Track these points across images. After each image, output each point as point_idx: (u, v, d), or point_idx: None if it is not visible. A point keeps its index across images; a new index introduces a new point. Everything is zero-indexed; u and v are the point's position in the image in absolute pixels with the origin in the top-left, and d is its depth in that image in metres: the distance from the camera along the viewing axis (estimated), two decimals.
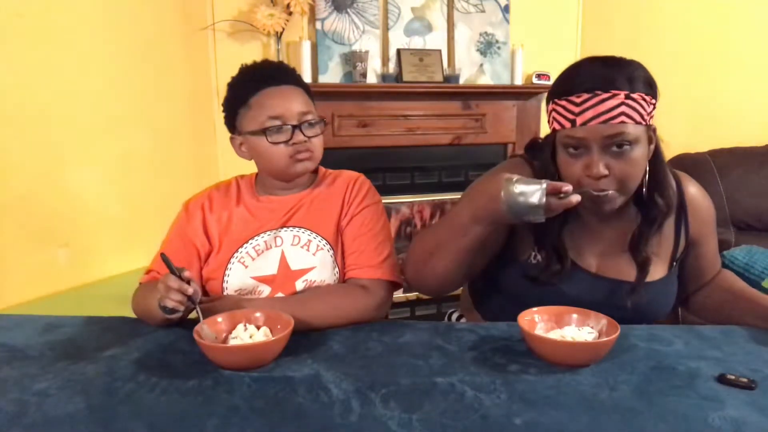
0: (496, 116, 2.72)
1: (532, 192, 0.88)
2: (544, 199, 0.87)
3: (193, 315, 1.00)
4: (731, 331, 1.01)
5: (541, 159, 1.06)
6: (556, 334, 0.90)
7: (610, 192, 0.96)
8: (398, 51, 2.54)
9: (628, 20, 2.72)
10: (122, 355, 0.92)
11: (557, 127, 0.98)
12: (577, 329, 0.91)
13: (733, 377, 0.80)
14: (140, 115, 1.96)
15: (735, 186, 2.27)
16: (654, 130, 1.00)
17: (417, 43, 2.60)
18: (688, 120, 2.63)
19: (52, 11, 1.60)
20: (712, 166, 2.31)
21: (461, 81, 2.65)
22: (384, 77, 2.54)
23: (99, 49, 1.77)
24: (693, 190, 1.12)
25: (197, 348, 0.87)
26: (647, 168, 1.01)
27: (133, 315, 1.10)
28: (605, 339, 0.86)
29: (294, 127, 1.08)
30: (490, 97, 2.68)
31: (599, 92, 0.92)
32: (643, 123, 0.94)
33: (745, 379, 0.79)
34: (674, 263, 1.11)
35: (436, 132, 2.66)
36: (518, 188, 0.88)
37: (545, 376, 0.83)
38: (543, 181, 0.88)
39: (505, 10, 2.70)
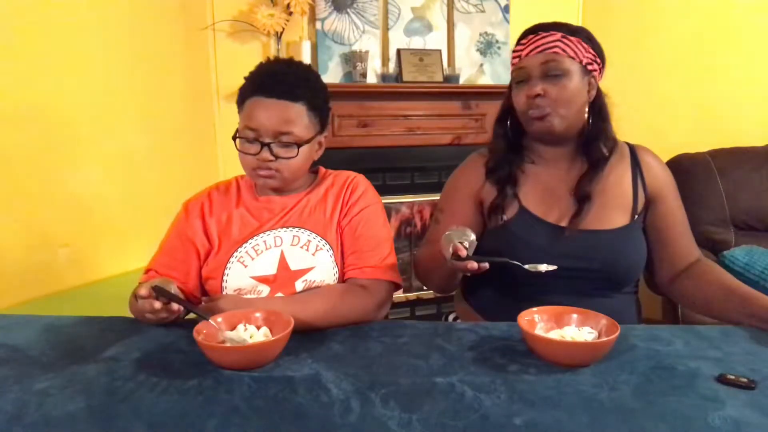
0: (496, 116, 2.72)
1: (446, 247, 0.99)
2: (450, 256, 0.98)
3: (191, 314, 1.00)
4: (731, 331, 1.01)
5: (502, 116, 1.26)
6: (556, 334, 0.90)
7: (546, 110, 1.12)
8: (398, 51, 2.54)
9: (629, 20, 2.72)
10: (122, 355, 0.92)
11: (512, 68, 1.19)
12: (577, 329, 0.91)
13: (733, 377, 0.80)
14: (140, 115, 1.96)
15: (735, 186, 2.26)
16: (596, 81, 1.17)
17: (417, 43, 2.60)
18: (688, 120, 2.62)
19: (52, 11, 1.59)
20: (712, 166, 2.30)
21: (461, 81, 2.65)
22: (384, 77, 2.54)
23: (99, 49, 1.77)
24: (648, 157, 1.23)
25: (197, 348, 0.87)
26: (587, 112, 1.16)
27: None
28: (605, 339, 0.86)
29: (263, 144, 1.06)
30: (490, 97, 2.67)
31: (541, 32, 1.14)
32: (576, 59, 1.12)
33: (745, 379, 0.79)
34: (636, 215, 1.17)
35: (436, 132, 2.66)
36: (444, 239, 1.00)
37: (545, 376, 0.83)
38: (456, 240, 0.98)
39: (505, 10, 2.70)
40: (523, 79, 1.15)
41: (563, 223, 1.16)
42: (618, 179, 1.19)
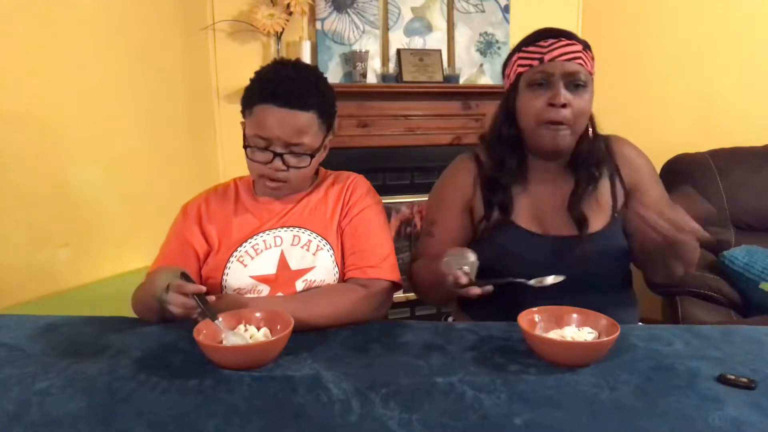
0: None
1: (447, 275, 0.95)
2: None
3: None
4: (731, 331, 1.01)
5: (495, 128, 1.23)
6: (556, 334, 0.90)
7: (566, 123, 1.09)
8: (398, 51, 2.54)
9: (628, 20, 2.72)
10: (122, 354, 0.92)
11: (523, 70, 1.13)
12: (577, 329, 0.91)
13: (733, 377, 0.80)
14: (140, 115, 1.96)
15: (735, 186, 2.26)
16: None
17: (417, 43, 2.60)
18: (688, 120, 2.62)
19: (52, 11, 1.59)
20: (712, 166, 2.30)
21: (461, 81, 2.64)
22: (384, 77, 2.54)
23: (99, 49, 1.77)
24: (622, 148, 1.23)
25: (197, 348, 0.87)
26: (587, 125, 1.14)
27: (132, 314, 1.10)
28: (605, 339, 0.86)
29: (276, 154, 1.05)
30: (490, 97, 2.67)
31: (563, 39, 1.11)
32: (591, 74, 1.12)
33: (745, 379, 0.80)
34: (615, 214, 1.18)
35: (436, 132, 2.65)
36: (444, 266, 0.97)
37: (545, 376, 0.83)
38: (455, 267, 0.95)
39: (505, 10, 2.70)
40: (543, 82, 1.10)
41: (552, 234, 1.15)
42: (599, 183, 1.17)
